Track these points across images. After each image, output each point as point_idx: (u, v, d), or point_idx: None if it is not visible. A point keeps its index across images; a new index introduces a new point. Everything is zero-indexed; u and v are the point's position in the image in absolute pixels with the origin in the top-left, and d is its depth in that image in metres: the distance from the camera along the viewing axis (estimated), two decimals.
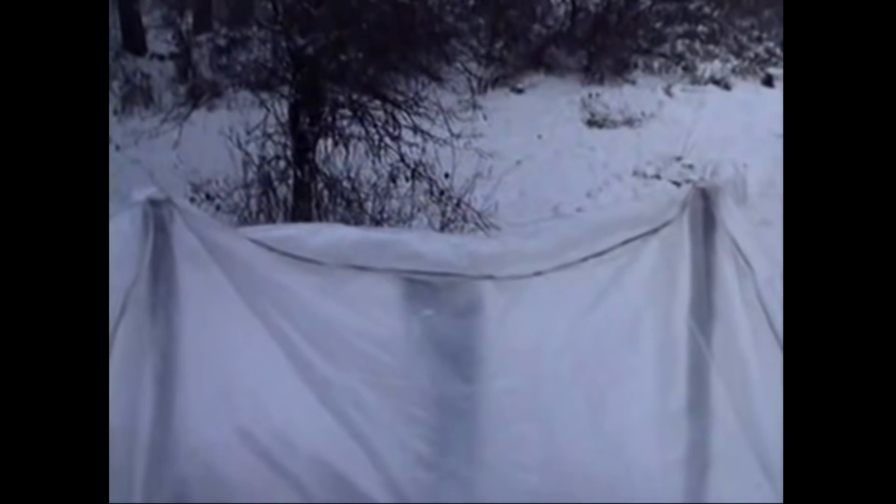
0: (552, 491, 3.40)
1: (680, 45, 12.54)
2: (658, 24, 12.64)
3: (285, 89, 7.57)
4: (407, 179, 7.59)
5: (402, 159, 7.51)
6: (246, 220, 7.24)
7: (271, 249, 3.52)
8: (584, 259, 3.56)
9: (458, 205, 7.54)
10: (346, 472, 3.35)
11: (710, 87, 11.59)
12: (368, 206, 7.51)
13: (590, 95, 11.24)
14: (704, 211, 3.49)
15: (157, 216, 3.36)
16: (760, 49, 12.68)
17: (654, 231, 3.54)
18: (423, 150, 7.57)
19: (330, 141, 7.56)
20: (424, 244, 3.63)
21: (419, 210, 7.60)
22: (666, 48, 12.41)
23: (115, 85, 11.04)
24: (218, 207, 7.74)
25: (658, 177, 9.26)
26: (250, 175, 7.58)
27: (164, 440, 3.30)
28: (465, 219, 7.49)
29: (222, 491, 3.32)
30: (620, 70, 11.97)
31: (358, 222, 7.06)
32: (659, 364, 3.47)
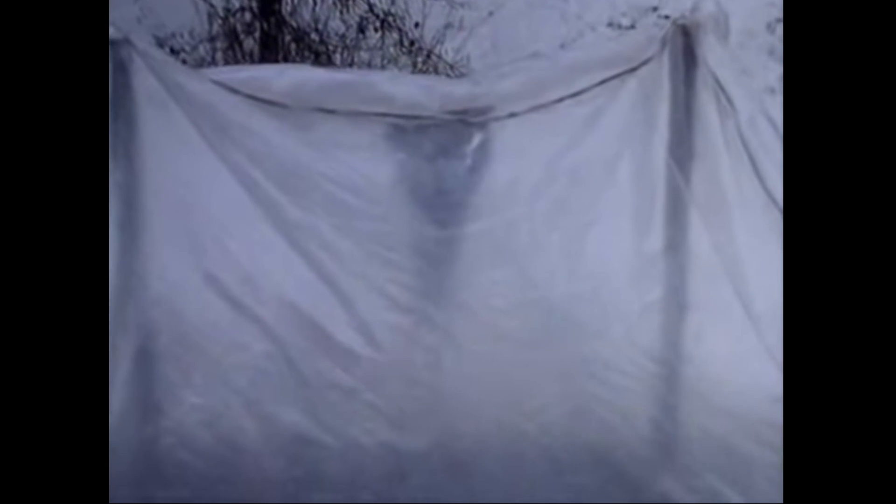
0: (531, 335, 3.32)
1: None
2: None
3: None
4: (376, 30, 7.42)
5: (371, 9, 7.33)
6: None
7: (235, 91, 3.38)
8: (560, 100, 3.44)
9: (428, 56, 7.40)
10: (316, 316, 3.28)
11: None
12: (337, 58, 7.34)
13: None
14: (685, 49, 3.38)
15: (116, 57, 3.24)
16: None
17: (633, 70, 3.42)
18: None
19: None
20: (394, 86, 3.51)
21: (389, 62, 7.45)
22: None
23: None
24: (184, 61, 7.52)
25: (633, 27, 9.08)
26: (216, 28, 7.38)
27: (128, 286, 3.20)
28: (436, 70, 7.35)
29: (189, 331, 3.23)
30: None
31: None
32: (636, 205, 3.40)
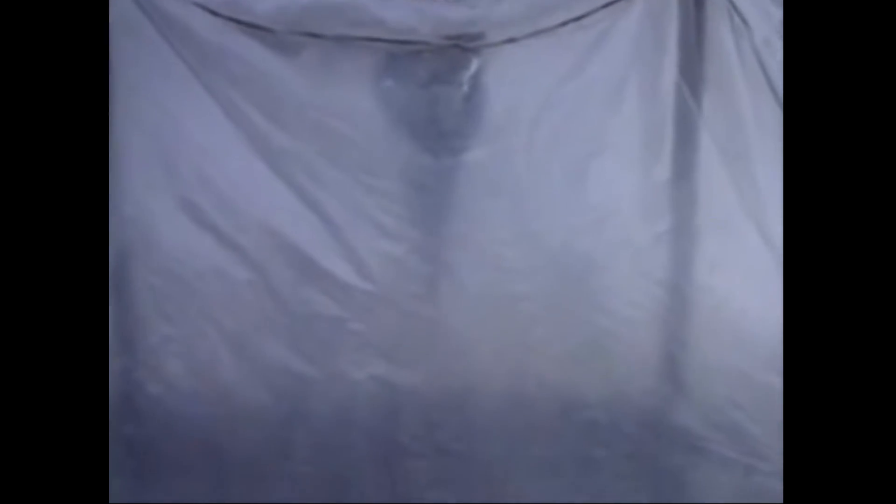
0: (533, 266, 3.14)
1: None
2: None
3: None
4: None
5: None
6: None
7: (215, 14, 3.15)
8: (563, 24, 3.25)
9: None
10: (301, 244, 3.08)
11: None
12: None
13: None
14: None
15: None
16: None
17: None
18: None
19: None
20: (385, 9, 3.32)
21: None
22: None
23: None
24: None
25: None
26: None
27: None
28: None
29: (163, 259, 3.00)
30: None
31: None
32: (645, 132, 3.23)
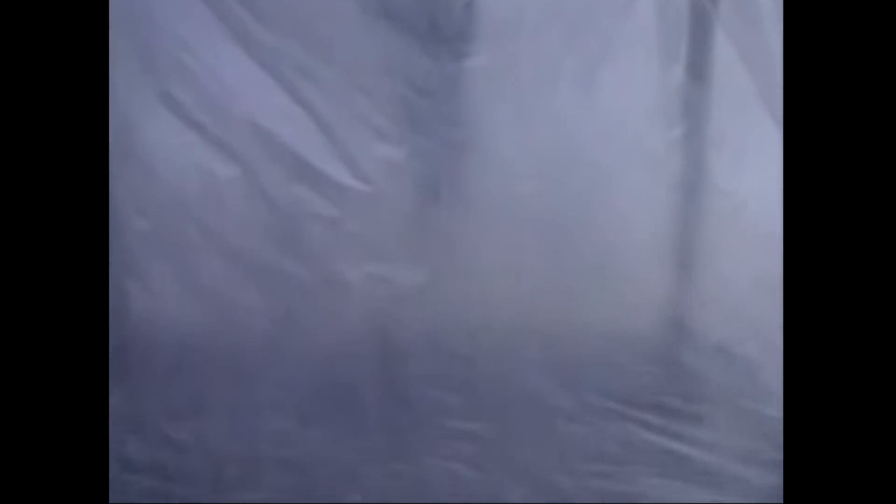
0: (542, 173, 2.99)
1: None
2: None
3: None
4: None
5: None
6: None
7: None
8: None
9: None
10: (292, 143, 2.86)
11: None
12: None
13: None
14: None
15: None
16: None
17: None
18: None
19: None
20: None
21: None
22: None
23: None
24: None
25: None
26: None
27: None
28: None
29: (137, 158, 2.78)
30: None
31: None
32: (658, 36, 3.07)
